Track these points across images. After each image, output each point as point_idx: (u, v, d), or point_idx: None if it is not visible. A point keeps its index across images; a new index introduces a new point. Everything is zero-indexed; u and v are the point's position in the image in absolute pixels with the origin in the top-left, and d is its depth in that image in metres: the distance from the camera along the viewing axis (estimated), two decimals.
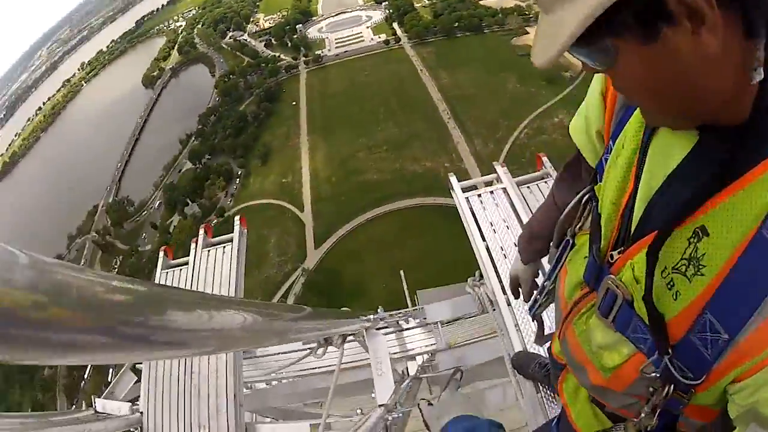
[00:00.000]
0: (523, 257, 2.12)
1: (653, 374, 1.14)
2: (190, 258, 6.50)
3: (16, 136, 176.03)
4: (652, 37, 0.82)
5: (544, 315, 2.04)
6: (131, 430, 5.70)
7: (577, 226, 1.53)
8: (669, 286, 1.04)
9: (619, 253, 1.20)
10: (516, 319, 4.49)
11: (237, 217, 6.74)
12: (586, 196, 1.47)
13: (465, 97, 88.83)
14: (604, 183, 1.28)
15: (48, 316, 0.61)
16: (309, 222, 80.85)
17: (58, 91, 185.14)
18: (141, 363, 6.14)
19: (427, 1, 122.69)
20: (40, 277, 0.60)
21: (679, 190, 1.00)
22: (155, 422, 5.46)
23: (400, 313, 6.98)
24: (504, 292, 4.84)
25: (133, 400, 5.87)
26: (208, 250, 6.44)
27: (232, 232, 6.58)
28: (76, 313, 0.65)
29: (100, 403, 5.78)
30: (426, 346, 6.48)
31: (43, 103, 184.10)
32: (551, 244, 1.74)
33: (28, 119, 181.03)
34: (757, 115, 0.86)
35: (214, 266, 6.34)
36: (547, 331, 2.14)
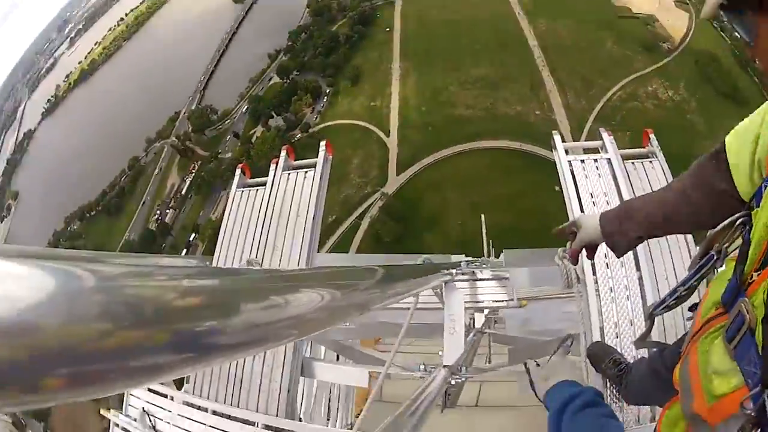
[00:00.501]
0: (604, 230, 1.96)
1: (750, 412, 1.04)
2: (269, 179, 6.13)
3: (95, 45, 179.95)
4: None
5: (657, 320, 1.95)
6: None
7: (725, 245, 1.46)
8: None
9: (757, 273, 1.17)
10: (600, 305, 4.27)
11: (323, 143, 6.29)
12: (740, 220, 1.42)
13: (561, 48, 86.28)
14: (761, 209, 1.25)
15: (116, 342, 0.51)
16: (393, 148, 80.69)
17: (142, 2, 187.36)
18: None
19: None
20: (106, 298, 0.50)
21: None
22: None
23: (479, 260, 6.68)
24: (594, 272, 4.56)
25: None
26: (289, 173, 6.06)
27: (316, 155, 6.14)
28: (145, 332, 0.57)
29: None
30: (496, 300, 5.94)
31: (126, 14, 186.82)
32: (697, 255, 1.63)
33: (109, 29, 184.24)
34: None
35: (293, 190, 5.97)
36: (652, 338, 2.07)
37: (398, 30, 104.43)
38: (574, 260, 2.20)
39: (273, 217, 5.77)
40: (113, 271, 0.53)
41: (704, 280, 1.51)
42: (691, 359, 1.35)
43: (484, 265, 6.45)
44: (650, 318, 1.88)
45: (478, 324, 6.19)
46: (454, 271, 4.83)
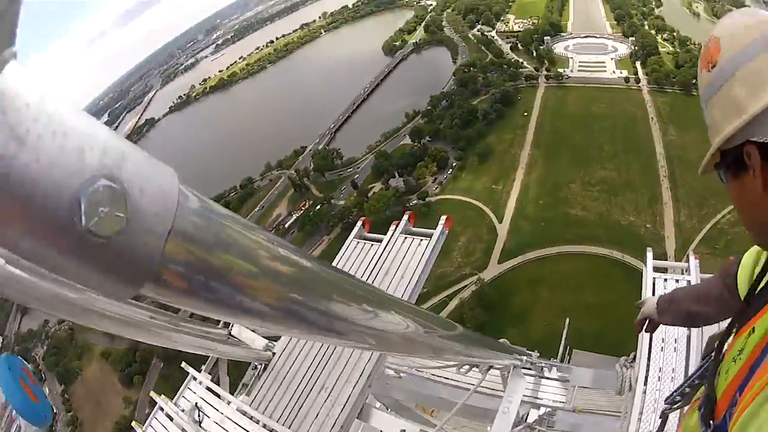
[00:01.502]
0: (659, 308, 2.61)
1: None
2: (386, 237, 6.73)
3: (240, 58, 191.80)
4: (737, 175, 1.37)
5: (670, 416, 2.44)
6: (256, 364, 6.12)
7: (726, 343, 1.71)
8: (726, 371, 1.40)
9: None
10: (643, 408, 4.82)
11: (444, 217, 6.85)
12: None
13: (685, 161, 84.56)
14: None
15: (231, 274, 0.76)
16: (503, 235, 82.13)
17: (295, 31, 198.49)
18: None
19: (671, 48, 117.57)
20: (241, 238, 0.78)
21: (753, 304, 1.46)
22: (282, 367, 5.84)
23: (549, 362, 7.04)
24: (645, 382, 5.19)
25: (270, 338, 6.24)
26: (405, 237, 6.64)
27: (427, 224, 6.88)
28: (251, 279, 0.82)
29: (237, 328, 6.10)
30: (555, 401, 6.56)
31: (276, 38, 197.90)
32: (703, 353, 2.34)
33: (257, 47, 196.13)
34: None
35: (405, 254, 6.46)
36: None
37: (535, 116, 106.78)
38: (637, 330, 2.72)
39: (380, 273, 6.35)
40: (253, 226, 0.84)
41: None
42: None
43: (552, 366, 6.95)
44: (662, 416, 2.39)
45: (531, 419, 6.56)
46: (524, 358, 5.56)
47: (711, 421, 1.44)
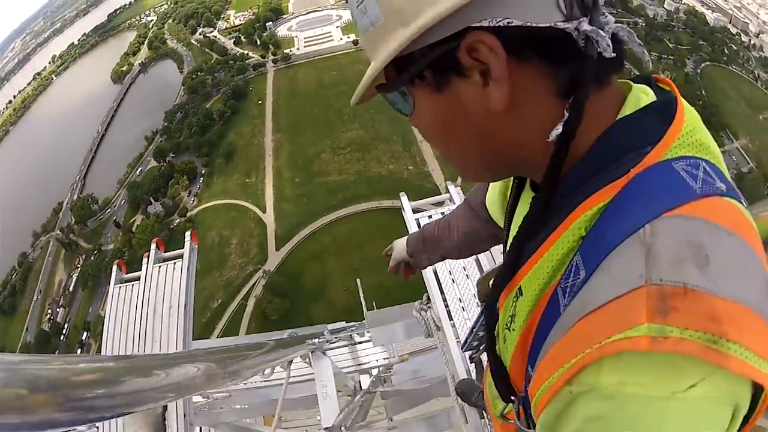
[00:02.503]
0: (408, 250, 2.18)
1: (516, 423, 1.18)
2: (143, 273, 6.46)
3: None
4: (442, 86, 0.90)
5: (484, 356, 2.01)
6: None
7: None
8: (504, 340, 1.07)
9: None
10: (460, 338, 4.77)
11: (188, 232, 6.66)
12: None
13: None
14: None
15: (27, 404, 0.80)
16: (271, 223, 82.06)
17: (29, 84, 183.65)
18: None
19: None
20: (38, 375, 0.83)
21: (511, 257, 1.02)
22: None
23: (348, 327, 7.08)
24: (450, 318, 4.91)
25: None
26: (159, 266, 6.43)
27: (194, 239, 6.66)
28: (49, 397, 0.85)
29: None
30: (378, 360, 6.42)
31: (14, 97, 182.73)
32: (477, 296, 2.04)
33: None
34: (551, 172, 0.90)
35: (164, 282, 6.28)
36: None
37: (270, 101, 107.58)
38: (393, 272, 2.28)
39: (149, 310, 5.93)
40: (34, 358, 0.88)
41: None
42: (484, 387, 1.62)
43: (361, 330, 6.73)
44: (473, 361, 2.10)
45: (365, 385, 6.05)
46: (317, 340, 5.32)
47: (512, 397, 1.14)
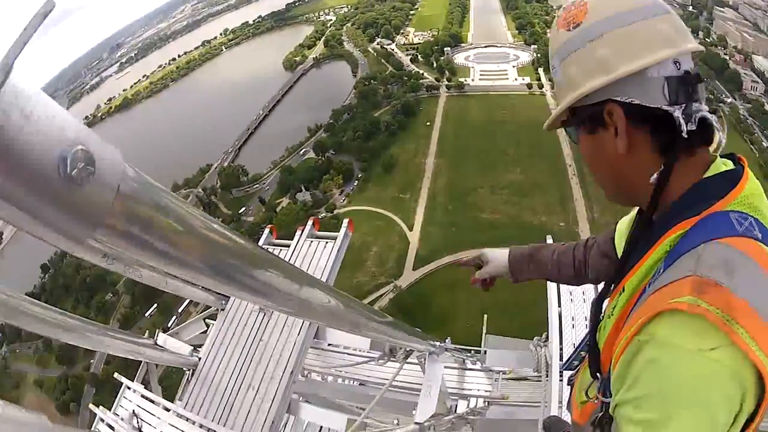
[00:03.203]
0: (511, 266, 2.41)
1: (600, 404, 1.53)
2: (293, 242, 6.83)
3: (143, 77, 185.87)
4: (593, 131, 1.42)
5: None
6: (184, 369, 6.20)
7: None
8: (603, 327, 1.52)
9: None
10: (562, 389, 4.85)
11: (346, 219, 7.04)
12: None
13: None
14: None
15: (163, 229, 0.92)
16: (414, 242, 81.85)
17: (196, 48, 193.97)
18: (215, 314, 6.54)
19: None
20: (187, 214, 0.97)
21: (618, 268, 1.52)
22: (209, 371, 5.93)
23: (465, 349, 7.36)
24: (561, 358, 5.31)
25: (196, 347, 6.31)
26: (311, 241, 6.75)
27: (338, 230, 6.86)
28: (190, 240, 0.98)
29: (162, 338, 6.22)
30: (481, 391, 6.74)
31: (178, 56, 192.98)
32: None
33: (160, 65, 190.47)
34: (650, 204, 1.39)
35: (312, 257, 6.64)
36: None
37: (438, 125, 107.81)
38: (477, 283, 2.54)
39: None
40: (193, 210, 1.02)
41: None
42: (574, 390, 1.93)
43: (475, 359, 7.18)
44: (570, 383, 2.29)
45: (461, 410, 6.57)
46: (438, 343, 5.57)
47: (598, 374, 1.56)
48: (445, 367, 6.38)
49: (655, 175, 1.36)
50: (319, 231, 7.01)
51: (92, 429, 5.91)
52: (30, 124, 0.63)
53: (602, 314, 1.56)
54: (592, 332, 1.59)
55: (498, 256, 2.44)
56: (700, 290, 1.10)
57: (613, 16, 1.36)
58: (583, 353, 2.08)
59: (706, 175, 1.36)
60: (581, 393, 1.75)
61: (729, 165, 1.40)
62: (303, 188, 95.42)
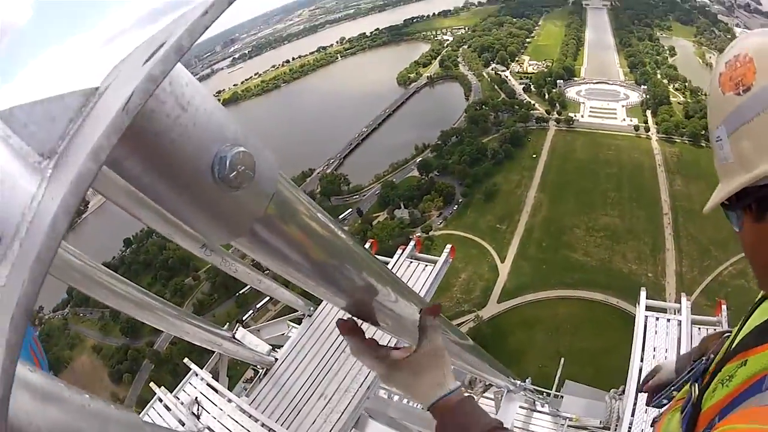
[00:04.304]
0: (678, 364, 2.43)
1: None
2: (393, 260, 7.23)
3: (255, 74, 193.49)
4: (761, 219, 1.27)
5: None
6: (257, 367, 6.48)
7: (712, 353, 1.81)
8: (713, 390, 1.42)
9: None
10: None
11: (449, 246, 7.46)
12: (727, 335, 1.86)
13: (690, 212, 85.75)
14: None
15: (302, 237, 0.95)
16: (503, 275, 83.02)
17: (312, 53, 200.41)
18: (299, 318, 6.83)
19: (682, 98, 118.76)
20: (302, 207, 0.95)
21: (751, 337, 1.42)
22: (284, 373, 6.16)
23: (541, 391, 7.48)
24: (632, 414, 5.39)
25: (274, 347, 6.64)
26: (410, 261, 7.20)
27: (438, 254, 7.29)
28: (313, 242, 0.99)
29: (241, 332, 6.57)
30: None
31: (293, 58, 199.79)
32: (687, 356, 2.35)
33: (273, 65, 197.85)
34: None
35: (410, 276, 6.95)
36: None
37: (544, 158, 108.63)
38: (650, 400, 2.46)
39: None
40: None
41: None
42: (657, 427, 1.99)
43: (546, 402, 7.32)
44: (653, 425, 2.32)
45: None
46: (519, 382, 6.09)
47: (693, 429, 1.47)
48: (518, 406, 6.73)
49: None
50: (420, 252, 7.51)
51: (148, 407, 6.25)
52: (186, 115, 0.60)
53: (717, 372, 1.46)
54: (700, 384, 1.54)
55: (667, 363, 2.54)
56: None
57: None
58: (675, 393, 2.15)
59: None
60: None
61: None
62: (402, 205, 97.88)
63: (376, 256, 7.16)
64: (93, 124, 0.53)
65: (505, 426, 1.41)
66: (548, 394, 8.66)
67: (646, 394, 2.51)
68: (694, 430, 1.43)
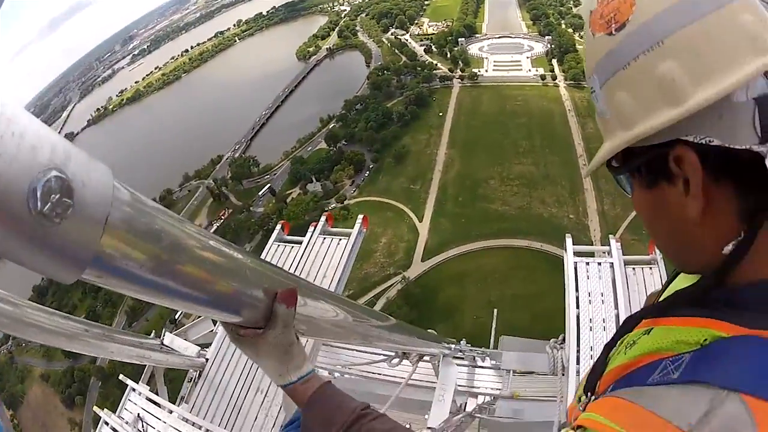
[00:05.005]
0: None
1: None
2: (306, 239, 7.00)
3: (155, 68, 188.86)
4: (652, 185, 1.07)
5: None
6: (190, 371, 6.28)
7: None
8: (617, 352, 1.27)
9: None
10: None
11: (360, 216, 7.23)
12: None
13: None
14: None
15: (162, 260, 0.86)
16: (424, 234, 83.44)
17: (209, 39, 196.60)
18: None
19: None
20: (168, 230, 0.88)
21: (666, 303, 1.22)
22: (217, 372, 6.03)
23: (479, 350, 7.15)
24: (577, 362, 5.21)
25: (203, 346, 6.46)
26: (324, 237, 6.95)
27: (351, 225, 7.12)
28: (180, 266, 0.93)
29: (168, 338, 6.32)
30: (491, 388, 6.70)
31: (191, 47, 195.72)
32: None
33: (173, 57, 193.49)
34: (717, 275, 1.06)
35: (325, 254, 6.75)
36: None
37: (450, 116, 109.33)
38: None
39: (303, 274, 6.24)
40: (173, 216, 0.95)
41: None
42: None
43: (485, 355, 7.04)
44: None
45: (470, 408, 6.43)
46: (453, 345, 5.71)
47: (589, 393, 1.30)
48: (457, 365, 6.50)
49: (730, 246, 1.02)
50: (332, 227, 7.29)
51: None
52: None
53: (624, 338, 1.31)
54: (607, 348, 1.38)
55: None
56: None
57: (676, 6, 0.96)
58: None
59: None
60: (579, 397, 1.60)
61: None
62: (314, 179, 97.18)
63: (290, 237, 7.21)
64: None
65: (370, 405, 1.43)
66: (486, 348, 8.08)
67: None
68: (595, 388, 1.29)
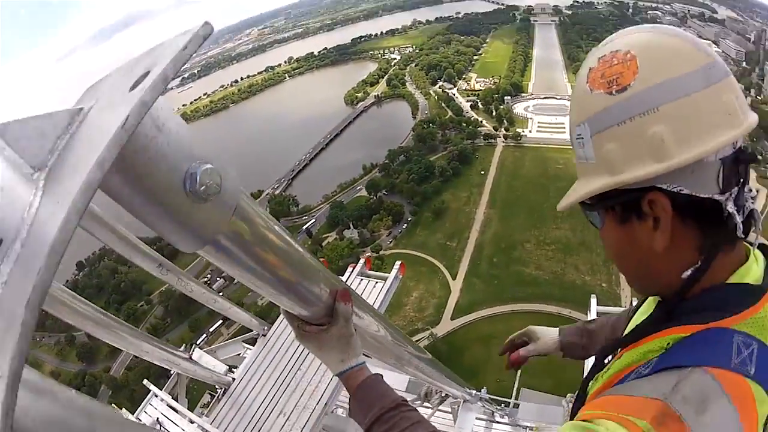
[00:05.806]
0: (564, 343, 2.42)
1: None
2: (344, 278, 6.77)
3: (204, 95, 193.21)
4: (625, 221, 1.28)
5: None
6: (214, 390, 6.48)
7: None
8: (596, 380, 1.50)
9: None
10: None
11: (398, 262, 7.44)
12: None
13: None
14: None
15: (264, 248, 1.10)
16: (456, 292, 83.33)
17: (260, 73, 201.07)
18: (253, 338, 6.93)
19: None
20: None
21: (630, 336, 1.38)
22: (242, 392, 6.20)
23: (500, 403, 7.53)
24: None
25: (231, 367, 6.68)
26: (361, 279, 7.14)
27: (388, 272, 7.27)
28: (272, 255, 1.14)
29: (197, 353, 6.62)
30: None
31: (241, 78, 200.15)
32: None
33: (222, 86, 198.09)
34: (676, 297, 1.27)
35: (361, 294, 6.58)
36: None
37: (492, 175, 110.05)
38: (513, 364, 2.53)
39: None
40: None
41: None
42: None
43: (504, 413, 7.29)
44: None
45: None
46: (475, 391, 6.06)
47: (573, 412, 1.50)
48: (476, 417, 6.88)
49: (689, 272, 1.24)
50: (370, 270, 7.52)
51: None
52: (162, 136, 0.70)
53: (602, 369, 1.49)
54: (586, 381, 1.55)
55: (547, 332, 2.47)
56: (661, 421, 1.02)
57: (674, 81, 1.13)
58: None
59: (732, 280, 1.26)
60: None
61: (759, 263, 1.31)
62: (351, 225, 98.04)
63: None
64: (82, 140, 0.60)
65: (407, 402, 1.61)
66: (506, 405, 8.79)
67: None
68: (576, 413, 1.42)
